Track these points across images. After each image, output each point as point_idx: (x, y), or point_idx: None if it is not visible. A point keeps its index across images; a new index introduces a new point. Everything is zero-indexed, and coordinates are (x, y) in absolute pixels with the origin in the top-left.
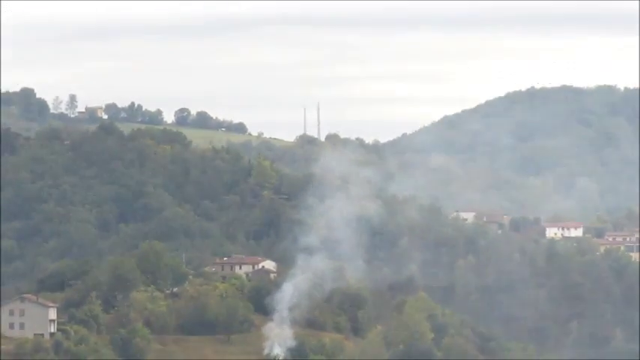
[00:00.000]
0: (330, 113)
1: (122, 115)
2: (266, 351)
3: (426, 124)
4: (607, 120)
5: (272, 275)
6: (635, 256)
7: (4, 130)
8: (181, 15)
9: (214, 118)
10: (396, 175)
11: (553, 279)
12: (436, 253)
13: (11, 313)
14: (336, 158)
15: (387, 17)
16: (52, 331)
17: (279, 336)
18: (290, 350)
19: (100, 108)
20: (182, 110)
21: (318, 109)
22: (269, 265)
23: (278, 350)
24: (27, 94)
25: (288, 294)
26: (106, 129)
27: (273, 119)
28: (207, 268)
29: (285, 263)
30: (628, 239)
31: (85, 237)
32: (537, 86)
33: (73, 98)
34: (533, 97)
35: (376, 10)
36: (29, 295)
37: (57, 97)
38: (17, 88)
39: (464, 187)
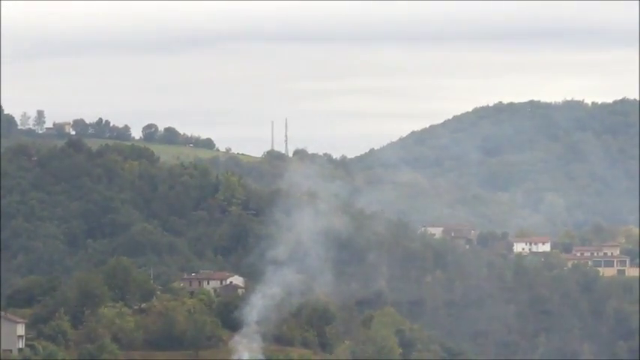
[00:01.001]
0: (297, 129)
1: (90, 130)
2: None
3: (393, 140)
4: (574, 135)
5: (240, 290)
6: (602, 270)
7: None
8: (148, 31)
9: (182, 133)
10: (364, 190)
11: (521, 294)
12: (404, 268)
13: None
14: (304, 173)
15: (355, 33)
16: (21, 346)
17: (246, 351)
18: None
19: (68, 124)
20: (150, 126)
21: (286, 125)
22: (237, 280)
23: None
24: None
25: (255, 309)
26: (74, 145)
27: (240, 135)
28: (175, 284)
29: (253, 278)
30: (595, 254)
31: (52, 253)
32: (505, 101)
33: (40, 114)
34: (500, 112)
35: (344, 26)
36: None
37: (24, 113)
38: None
39: (431, 202)
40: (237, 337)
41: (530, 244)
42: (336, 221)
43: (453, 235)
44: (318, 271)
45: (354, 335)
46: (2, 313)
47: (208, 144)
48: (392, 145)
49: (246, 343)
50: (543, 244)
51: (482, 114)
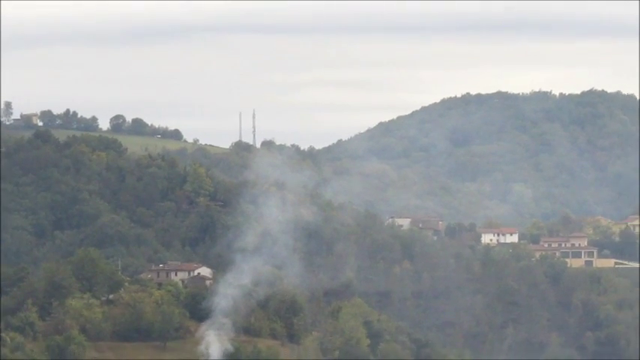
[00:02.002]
0: (265, 120)
1: (57, 122)
2: (202, 358)
3: (361, 131)
4: (542, 126)
5: (208, 282)
6: (570, 261)
7: None
8: (115, 21)
9: (150, 125)
10: (332, 181)
11: (489, 285)
12: (372, 259)
13: None
14: (272, 164)
15: (323, 25)
16: None
17: (214, 342)
18: (226, 357)
19: (36, 115)
20: (117, 117)
21: (254, 116)
22: (205, 271)
23: (214, 357)
24: None
25: (223, 300)
26: (42, 136)
27: (208, 126)
28: (142, 275)
29: (221, 270)
30: (563, 245)
31: (20, 244)
32: (472, 92)
33: (8, 105)
34: (468, 103)
35: (312, 18)
36: None
37: None
38: None
39: (399, 193)
40: (205, 329)
41: (498, 235)
42: (304, 212)
43: (420, 226)
44: (286, 262)
45: (322, 326)
46: None
47: (176, 135)
48: (360, 136)
49: (214, 335)
50: (511, 235)
51: (450, 105)
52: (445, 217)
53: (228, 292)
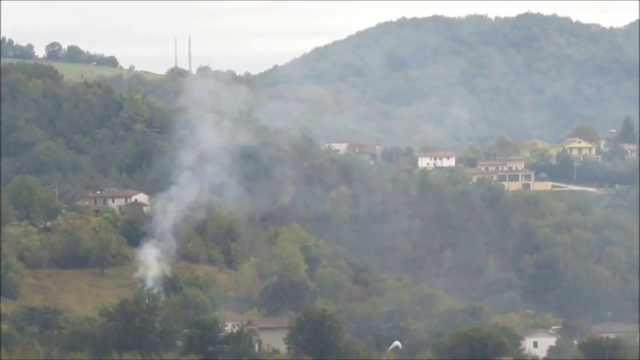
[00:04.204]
0: (201, 46)
1: None
2: (139, 284)
3: (297, 56)
4: (478, 49)
5: (145, 208)
6: (507, 185)
7: None
8: None
9: (85, 52)
10: (268, 106)
11: (426, 209)
12: (309, 184)
13: None
14: (207, 90)
15: None
16: None
17: (152, 269)
18: (163, 283)
19: None
20: (53, 44)
21: (189, 42)
22: (142, 198)
23: (151, 283)
24: None
25: (160, 226)
26: None
27: (144, 53)
28: (80, 202)
29: (158, 196)
30: (500, 168)
31: None
32: (408, 16)
33: None
34: (404, 27)
35: None
36: None
37: None
38: None
39: (336, 117)
40: (142, 255)
41: (435, 158)
42: (241, 137)
43: (357, 150)
44: (223, 187)
45: (259, 252)
46: None
47: (112, 62)
48: (295, 61)
49: (151, 261)
50: (448, 158)
51: (385, 29)
52: (382, 142)
53: (165, 219)
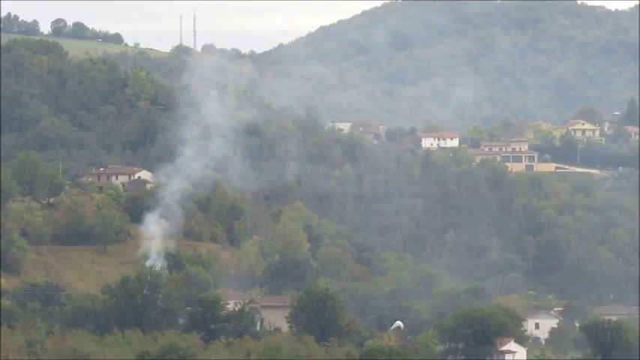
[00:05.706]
0: (206, 24)
1: None
2: (142, 261)
3: (302, 35)
4: (483, 30)
5: (148, 185)
6: (510, 166)
7: None
8: None
9: (90, 29)
10: (272, 85)
11: (429, 189)
12: (313, 163)
13: None
14: (212, 68)
15: None
16: None
17: (155, 246)
18: (166, 260)
19: None
20: (58, 21)
21: (194, 20)
22: (145, 175)
23: (154, 260)
24: None
25: (164, 204)
26: None
27: (149, 30)
28: (83, 179)
29: (162, 173)
30: (504, 149)
31: None
32: None
33: None
34: (409, 6)
35: None
36: None
37: None
38: None
39: (340, 96)
40: (145, 232)
41: (439, 139)
42: (245, 115)
43: (361, 130)
44: (227, 164)
45: (262, 230)
46: None
47: (117, 39)
48: (300, 40)
49: (154, 238)
50: (452, 139)
51: (391, 9)
52: (386, 121)
53: (169, 196)
